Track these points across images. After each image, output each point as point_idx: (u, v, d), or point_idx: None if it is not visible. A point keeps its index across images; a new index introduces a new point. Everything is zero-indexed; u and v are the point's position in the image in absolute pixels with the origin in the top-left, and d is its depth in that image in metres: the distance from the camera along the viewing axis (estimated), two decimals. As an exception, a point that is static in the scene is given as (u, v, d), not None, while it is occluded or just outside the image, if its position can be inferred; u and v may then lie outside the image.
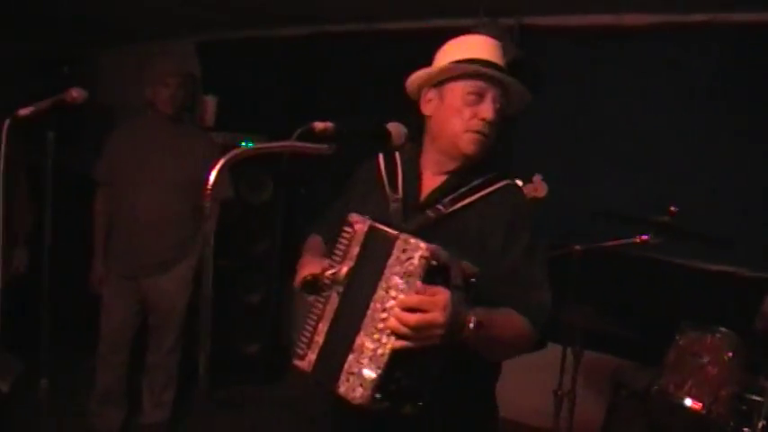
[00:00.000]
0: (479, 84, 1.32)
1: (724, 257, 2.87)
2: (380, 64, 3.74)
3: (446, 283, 1.10)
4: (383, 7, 3.47)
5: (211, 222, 0.97)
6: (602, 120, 3.17)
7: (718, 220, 2.71)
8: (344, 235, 1.22)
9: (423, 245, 1.09)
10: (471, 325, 1.12)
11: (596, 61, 3.17)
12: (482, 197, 1.35)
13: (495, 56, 1.35)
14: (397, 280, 1.11)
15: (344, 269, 1.19)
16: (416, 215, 1.34)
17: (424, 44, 3.95)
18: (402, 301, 1.09)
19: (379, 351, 1.10)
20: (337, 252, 1.22)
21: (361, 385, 1.11)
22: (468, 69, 1.32)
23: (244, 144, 3.42)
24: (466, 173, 1.38)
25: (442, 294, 1.09)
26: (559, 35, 3.24)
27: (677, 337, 2.22)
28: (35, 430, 1.81)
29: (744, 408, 2.02)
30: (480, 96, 1.32)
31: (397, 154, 1.44)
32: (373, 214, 1.24)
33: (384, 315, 1.10)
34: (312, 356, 1.22)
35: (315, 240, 1.55)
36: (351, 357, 1.13)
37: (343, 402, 1.17)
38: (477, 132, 1.33)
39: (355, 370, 1.12)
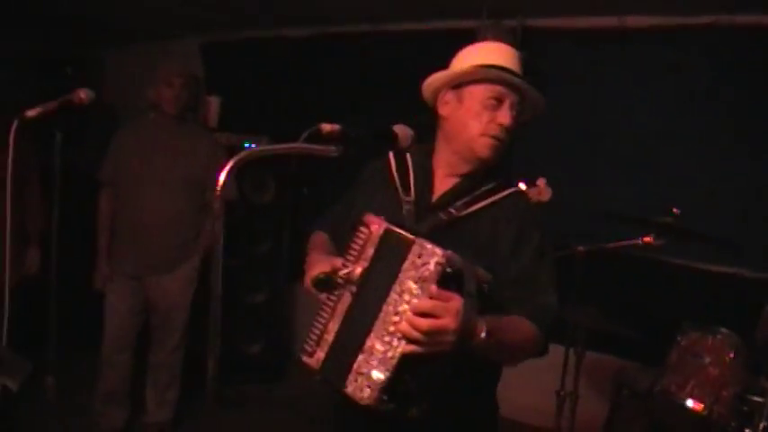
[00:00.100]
0: (499, 89, 1.33)
1: (725, 259, 2.88)
2: (383, 65, 3.76)
3: (459, 289, 1.11)
4: (386, 8, 3.48)
5: (220, 222, 0.98)
6: (604, 121, 3.18)
7: (720, 221, 2.72)
8: (359, 235, 1.23)
9: (439, 251, 1.10)
10: (483, 334, 1.13)
11: (598, 63, 3.18)
12: (493, 202, 1.35)
13: (514, 64, 1.36)
14: (411, 284, 1.11)
15: (358, 269, 1.20)
16: (428, 216, 1.35)
17: (426, 45, 3.98)
18: (415, 306, 1.09)
19: (389, 354, 1.11)
20: (351, 252, 1.23)
21: (369, 386, 1.11)
22: (490, 74, 1.33)
23: (247, 145, 3.47)
24: (478, 177, 1.38)
25: (455, 301, 1.09)
26: (562, 37, 3.25)
27: (679, 338, 2.23)
28: (41, 427, 1.82)
29: (745, 408, 2.03)
30: (499, 102, 1.33)
31: (408, 154, 1.44)
32: (384, 214, 1.25)
33: (396, 318, 1.11)
34: (321, 354, 1.22)
35: (320, 237, 1.55)
36: (360, 358, 1.14)
37: (346, 402, 1.18)
38: (494, 137, 1.34)
39: (364, 371, 1.13)
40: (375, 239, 1.20)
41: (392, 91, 3.63)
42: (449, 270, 1.10)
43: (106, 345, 2.82)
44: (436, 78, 1.40)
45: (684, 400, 2.08)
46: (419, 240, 1.13)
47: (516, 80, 1.33)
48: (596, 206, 2.76)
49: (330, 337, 1.22)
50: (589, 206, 2.80)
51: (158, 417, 2.95)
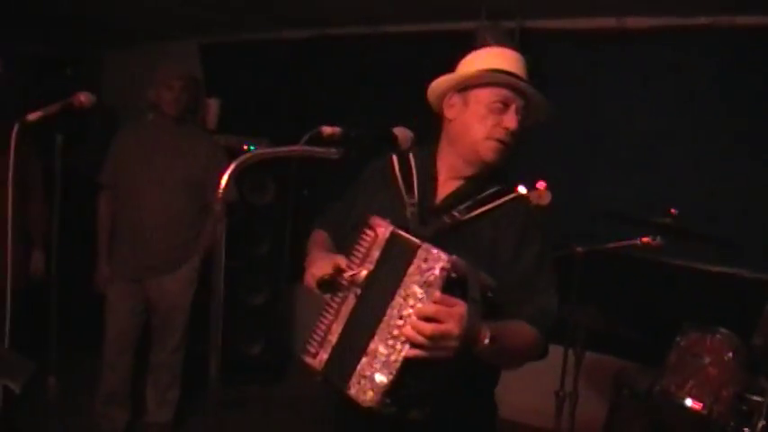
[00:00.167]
0: (506, 93, 1.33)
1: (725, 259, 2.89)
2: (382, 66, 3.77)
3: (463, 295, 1.11)
4: (385, 10, 3.49)
5: (222, 224, 0.98)
6: (604, 122, 3.18)
7: (719, 221, 2.73)
8: (365, 237, 1.23)
9: (444, 256, 1.10)
10: (487, 340, 1.14)
11: (598, 64, 3.19)
12: (496, 207, 1.36)
13: (520, 69, 1.37)
14: (415, 288, 1.11)
15: (363, 272, 1.20)
16: (431, 219, 1.35)
17: (425, 47, 3.99)
18: (419, 310, 1.10)
19: (393, 357, 1.11)
20: (356, 254, 1.23)
21: (371, 389, 1.12)
22: (497, 78, 1.33)
23: (248, 148, 3.47)
24: (481, 180, 1.39)
25: (459, 307, 1.10)
26: (561, 38, 3.25)
27: (678, 338, 2.23)
28: (42, 428, 1.82)
29: (744, 408, 2.03)
30: (505, 106, 1.33)
31: (411, 155, 1.45)
32: (387, 215, 1.25)
33: (400, 322, 1.11)
34: (324, 355, 1.23)
35: (321, 235, 1.55)
36: (363, 360, 1.15)
37: (346, 403, 1.18)
38: (499, 141, 1.34)
39: (367, 373, 1.13)
40: (381, 242, 1.20)
41: (391, 92, 3.65)
42: (453, 275, 1.10)
43: (107, 346, 2.83)
44: (443, 81, 1.40)
45: (684, 399, 2.09)
46: (425, 245, 1.13)
47: (523, 85, 1.34)
48: (596, 206, 2.77)
49: (333, 339, 1.22)
50: (589, 206, 2.81)
51: (159, 417, 2.96)
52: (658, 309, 2.89)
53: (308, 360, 1.25)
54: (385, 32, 3.76)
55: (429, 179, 1.41)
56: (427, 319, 1.09)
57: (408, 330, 1.10)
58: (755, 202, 2.87)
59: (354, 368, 1.15)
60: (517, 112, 1.34)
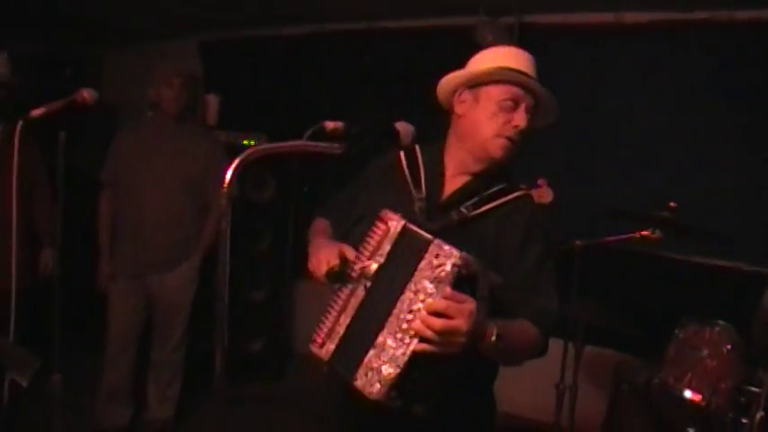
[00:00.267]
0: (516, 91, 1.34)
1: (723, 253, 2.90)
2: (381, 62, 3.77)
3: (472, 292, 1.13)
4: (384, 6, 3.49)
5: (227, 219, 0.99)
6: (603, 118, 3.19)
7: (718, 216, 2.74)
8: (376, 230, 1.24)
9: (456, 252, 1.11)
10: (493, 338, 1.15)
11: (597, 59, 3.19)
12: (502, 204, 1.37)
13: (531, 69, 1.38)
14: (426, 283, 1.12)
15: (374, 265, 1.21)
16: (438, 214, 1.36)
17: (424, 42, 3.97)
18: (429, 305, 1.11)
19: (401, 351, 1.12)
20: (367, 246, 1.24)
21: (378, 381, 1.13)
22: (509, 76, 1.34)
23: (248, 143, 3.48)
24: (488, 177, 1.40)
25: (468, 303, 1.11)
26: (560, 33, 3.25)
27: (677, 331, 2.25)
28: (45, 425, 1.83)
29: (742, 399, 2.05)
30: (516, 104, 1.35)
31: (417, 150, 1.45)
32: (394, 210, 1.26)
33: (410, 316, 1.12)
34: (331, 346, 1.24)
35: (322, 224, 1.56)
36: (371, 353, 1.16)
37: (350, 398, 1.20)
38: (508, 138, 1.35)
39: (374, 366, 1.14)
40: (392, 236, 1.21)
41: (390, 88, 3.66)
42: (464, 272, 1.11)
43: (109, 344, 2.84)
44: (454, 77, 1.41)
45: (683, 391, 2.11)
46: (437, 241, 1.14)
47: (534, 84, 1.35)
48: (595, 203, 2.78)
49: (341, 330, 1.23)
50: (588, 203, 2.82)
51: (160, 414, 2.97)
52: (657, 302, 2.91)
53: (315, 350, 1.26)
54: (384, 28, 3.76)
55: (436, 174, 1.42)
56: (437, 314, 1.10)
57: (418, 325, 1.11)
58: (754, 196, 2.88)
59: (362, 360, 1.16)
60: (527, 110, 1.35)
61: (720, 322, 2.18)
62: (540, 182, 2.34)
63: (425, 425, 1.18)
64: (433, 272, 1.12)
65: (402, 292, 1.15)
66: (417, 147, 1.44)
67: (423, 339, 1.11)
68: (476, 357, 1.18)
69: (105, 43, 4.75)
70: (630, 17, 3.08)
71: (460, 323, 1.09)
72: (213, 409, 2.52)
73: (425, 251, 1.14)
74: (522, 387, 2.64)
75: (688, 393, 2.09)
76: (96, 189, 2.90)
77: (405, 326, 1.13)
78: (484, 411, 1.46)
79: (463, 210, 1.35)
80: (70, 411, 1.87)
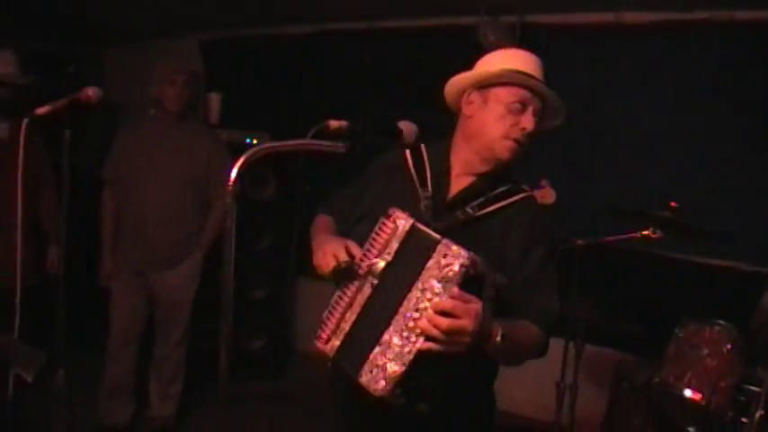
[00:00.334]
0: (525, 93, 1.35)
1: (723, 252, 2.91)
2: (382, 61, 3.78)
3: (479, 292, 1.14)
4: (385, 6, 3.49)
5: (232, 216, 0.99)
6: (603, 117, 3.19)
7: (719, 215, 2.75)
8: (384, 228, 1.24)
9: (464, 253, 1.12)
10: (498, 338, 1.16)
11: (597, 59, 3.20)
12: (506, 205, 1.38)
13: (539, 73, 1.39)
14: (433, 283, 1.13)
15: (381, 263, 1.22)
16: (443, 213, 1.37)
17: (425, 42, 3.97)
18: (437, 305, 1.11)
19: (407, 349, 1.13)
20: (374, 243, 1.24)
21: (383, 378, 1.14)
22: (518, 78, 1.35)
23: (248, 141, 3.48)
24: (493, 177, 1.41)
25: (475, 304, 1.12)
26: (560, 33, 3.26)
27: (677, 331, 2.25)
28: (46, 422, 1.84)
29: (742, 398, 2.06)
30: (524, 106, 1.36)
31: (423, 149, 1.46)
32: (400, 207, 1.26)
33: (416, 315, 1.13)
34: (336, 342, 1.25)
35: (325, 220, 1.57)
36: (377, 350, 1.17)
37: (352, 395, 1.21)
38: (516, 140, 1.36)
39: (380, 363, 1.15)
40: (400, 234, 1.22)
41: (391, 87, 3.67)
42: (472, 273, 1.12)
43: (111, 341, 2.85)
44: (463, 77, 1.42)
45: (683, 390, 2.11)
46: (445, 241, 1.15)
47: (543, 87, 1.36)
48: (596, 202, 2.78)
49: (346, 326, 1.24)
50: (589, 202, 2.82)
51: (162, 411, 2.98)
52: (658, 302, 2.92)
53: (320, 345, 1.27)
54: (385, 28, 3.77)
55: (442, 173, 1.43)
56: (444, 313, 1.11)
57: (424, 323, 1.12)
58: (754, 196, 2.89)
59: (367, 357, 1.17)
60: (534, 113, 1.37)
61: (720, 321, 2.19)
62: (542, 183, 2.35)
63: (426, 422, 1.19)
64: (440, 271, 1.13)
65: (409, 291, 1.16)
66: (423, 145, 1.45)
67: (429, 338, 1.11)
68: (480, 357, 1.19)
69: (107, 42, 4.76)
70: (630, 17, 3.09)
71: (467, 323, 1.10)
72: (214, 407, 2.51)
73: (433, 250, 1.15)
74: (523, 386, 2.65)
75: (688, 392, 2.10)
76: (97, 187, 2.91)
77: (411, 324, 1.14)
78: (484, 409, 1.47)
79: (469, 210, 1.36)
80: (72, 408, 1.87)
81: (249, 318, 3.71)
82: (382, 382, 1.14)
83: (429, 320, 1.11)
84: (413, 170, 1.44)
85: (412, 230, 1.21)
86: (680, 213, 2.33)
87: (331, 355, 1.25)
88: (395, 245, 1.22)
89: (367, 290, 1.23)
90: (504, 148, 1.37)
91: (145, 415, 3.00)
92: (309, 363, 1.30)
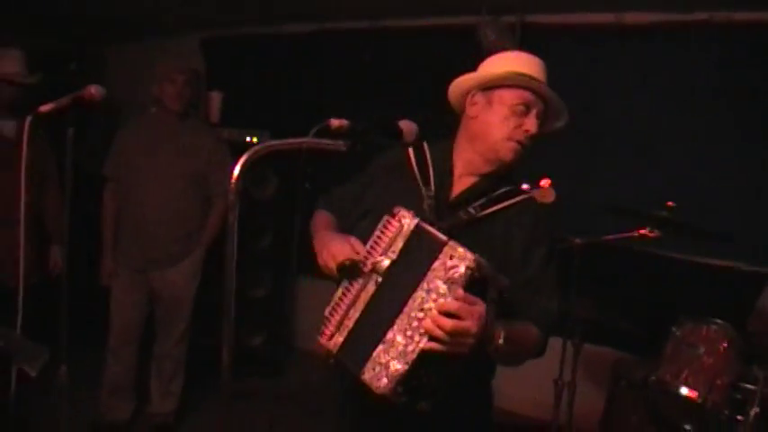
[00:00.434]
0: (528, 96, 1.36)
1: (722, 252, 2.93)
2: (383, 61, 3.79)
3: (483, 294, 1.15)
4: (386, 5, 3.50)
5: (234, 213, 1.00)
6: (603, 117, 3.20)
7: (717, 215, 2.76)
8: (388, 226, 1.25)
9: (470, 255, 1.13)
10: (501, 341, 1.18)
11: (597, 59, 3.20)
12: (509, 206, 1.39)
13: (543, 75, 1.40)
14: (439, 283, 1.14)
15: (386, 261, 1.22)
16: (446, 212, 1.38)
17: (426, 41, 3.97)
18: (441, 306, 1.12)
19: (410, 348, 1.14)
20: (378, 241, 1.25)
21: (386, 376, 1.15)
22: (523, 81, 1.36)
23: (253, 140, 3.49)
24: (495, 178, 1.42)
25: (479, 306, 1.13)
26: (561, 33, 3.27)
27: (674, 329, 2.26)
28: (48, 418, 1.86)
29: (738, 396, 2.07)
30: (528, 108, 1.37)
31: (426, 148, 1.47)
32: (403, 206, 1.27)
33: (421, 315, 1.14)
34: (339, 339, 1.26)
35: (326, 217, 1.57)
36: (380, 348, 1.18)
37: (353, 393, 1.22)
38: (519, 142, 1.37)
39: (383, 361, 1.16)
40: (405, 234, 1.22)
41: (392, 87, 3.68)
42: (477, 275, 1.13)
43: (112, 338, 2.86)
44: (467, 78, 1.43)
45: (679, 388, 2.12)
46: (452, 242, 1.16)
47: (546, 90, 1.37)
48: (595, 201, 2.79)
49: (350, 324, 1.25)
50: (588, 201, 2.83)
51: (162, 408, 3.00)
52: (655, 301, 2.93)
53: (324, 341, 1.28)
54: (386, 27, 3.77)
55: (445, 173, 1.44)
56: (448, 314, 1.11)
57: (428, 323, 1.12)
58: (753, 196, 2.89)
59: (370, 354, 1.18)
60: (537, 116, 1.38)
61: (717, 320, 2.20)
62: (543, 182, 2.36)
63: (425, 420, 1.20)
64: (446, 273, 1.14)
65: (414, 291, 1.16)
66: (425, 145, 1.46)
67: (432, 338, 1.12)
68: (482, 358, 1.20)
69: (108, 40, 4.76)
70: (630, 17, 3.10)
71: (470, 325, 1.11)
72: (215, 404, 2.52)
73: (440, 252, 1.15)
74: (521, 384, 2.66)
75: (684, 390, 2.11)
76: (98, 185, 2.92)
77: (415, 324, 1.14)
78: (482, 406, 1.48)
79: (471, 210, 1.36)
80: (73, 404, 1.89)
81: (249, 315, 3.72)
82: (385, 380, 1.15)
83: (433, 321, 1.12)
84: (416, 169, 1.45)
85: (417, 230, 1.22)
86: (677, 213, 2.34)
87: (334, 351, 1.26)
88: (399, 243, 1.22)
89: (371, 287, 1.24)
90: (507, 150, 1.37)
91: (145, 411, 3.01)
92: (309, 361, 1.31)
